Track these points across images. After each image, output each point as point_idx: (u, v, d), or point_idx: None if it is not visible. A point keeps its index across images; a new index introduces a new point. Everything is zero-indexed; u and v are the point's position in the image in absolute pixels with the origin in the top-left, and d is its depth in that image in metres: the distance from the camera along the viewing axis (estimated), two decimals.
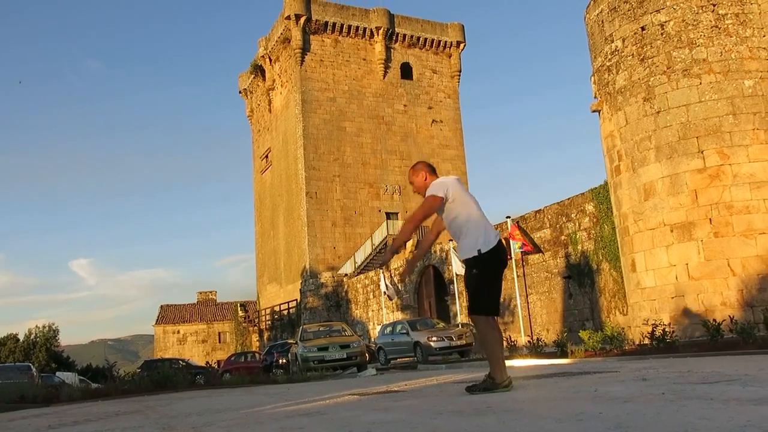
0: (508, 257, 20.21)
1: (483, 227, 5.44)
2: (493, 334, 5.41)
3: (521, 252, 21.83)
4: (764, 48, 13.79)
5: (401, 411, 4.68)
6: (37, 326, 61.29)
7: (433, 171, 5.84)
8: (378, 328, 29.19)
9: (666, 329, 11.75)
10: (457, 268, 26.05)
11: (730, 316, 11.62)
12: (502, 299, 22.11)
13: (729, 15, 13.91)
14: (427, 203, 5.48)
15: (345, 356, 18.00)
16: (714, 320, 11.57)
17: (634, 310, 15.19)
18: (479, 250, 5.32)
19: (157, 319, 60.53)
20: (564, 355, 12.67)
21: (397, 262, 34.47)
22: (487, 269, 5.38)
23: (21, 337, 60.16)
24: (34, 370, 29.26)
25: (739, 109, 13.52)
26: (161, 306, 62.55)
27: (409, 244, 41.46)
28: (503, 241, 5.72)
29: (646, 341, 12.08)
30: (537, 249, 22.32)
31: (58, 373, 37.91)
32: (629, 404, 3.91)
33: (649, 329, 12.03)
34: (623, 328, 16.09)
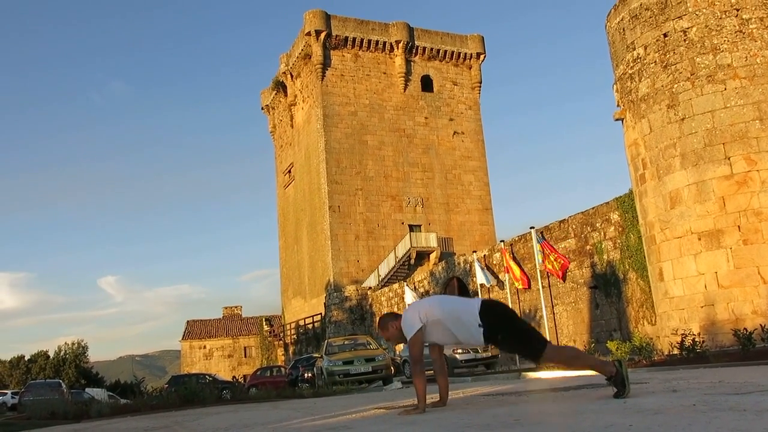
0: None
1: (463, 310, 5.52)
2: (568, 351, 5.54)
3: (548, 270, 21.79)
4: None
5: (428, 425, 4.66)
6: (66, 343, 62.17)
7: (397, 316, 5.94)
8: None
9: (696, 339, 11.56)
10: (481, 278, 25.90)
11: (761, 325, 11.39)
12: (528, 310, 21.95)
13: (753, 19, 13.75)
14: (413, 344, 5.63)
15: (370, 369, 17.97)
16: (745, 329, 11.35)
17: (662, 319, 14.95)
18: (479, 324, 5.40)
19: (184, 335, 61.02)
20: None
21: (421, 274, 34.41)
22: (500, 326, 5.44)
23: (51, 354, 61.15)
24: (64, 386, 29.70)
25: (766, 114, 13.31)
26: (187, 321, 63.09)
27: (433, 256, 41.38)
28: (489, 299, 5.90)
29: (676, 351, 11.88)
30: (563, 275, 22.12)
31: (87, 389, 38.41)
32: (660, 416, 3.85)
33: (679, 339, 11.83)
34: (651, 339, 15.85)
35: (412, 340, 5.57)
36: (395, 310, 35.75)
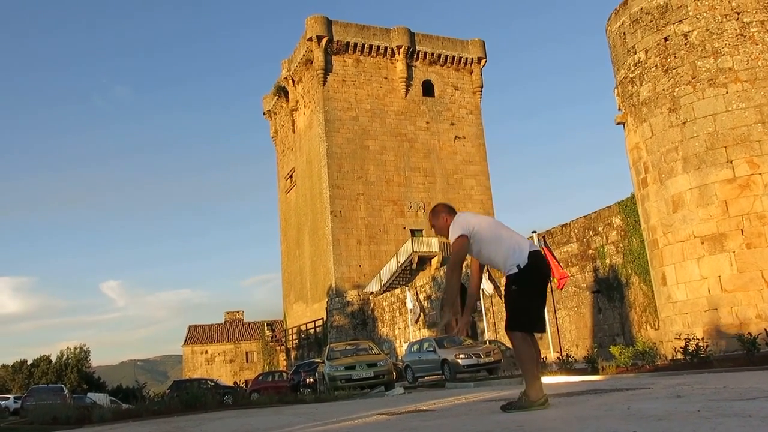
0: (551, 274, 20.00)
1: (516, 245, 5.41)
2: (529, 351, 5.35)
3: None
4: None
5: (430, 431, 4.63)
6: (68, 348, 62.20)
7: (452, 211, 5.82)
8: (405, 345, 29.05)
9: (699, 344, 11.51)
10: (485, 285, 25.86)
11: (765, 329, 11.35)
12: None
13: (754, 23, 13.75)
14: (456, 246, 5.48)
15: (372, 375, 17.91)
16: (749, 334, 11.30)
17: (665, 324, 14.90)
18: (518, 266, 5.29)
19: (186, 340, 60.98)
20: (595, 371, 12.46)
21: (423, 279, 34.36)
22: (527, 285, 5.33)
23: (53, 359, 61.16)
24: (66, 391, 29.67)
25: None
26: (189, 326, 63.06)
27: (435, 261, 41.34)
28: (543, 255, 5.67)
29: (679, 356, 11.83)
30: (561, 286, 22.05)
31: (89, 394, 38.34)
32: (664, 422, 3.82)
33: (682, 344, 11.79)
34: (655, 343, 15.79)
35: (455, 244, 5.43)
36: (397, 314, 35.70)
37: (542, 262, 5.49)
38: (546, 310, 21.82)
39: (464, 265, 5.86)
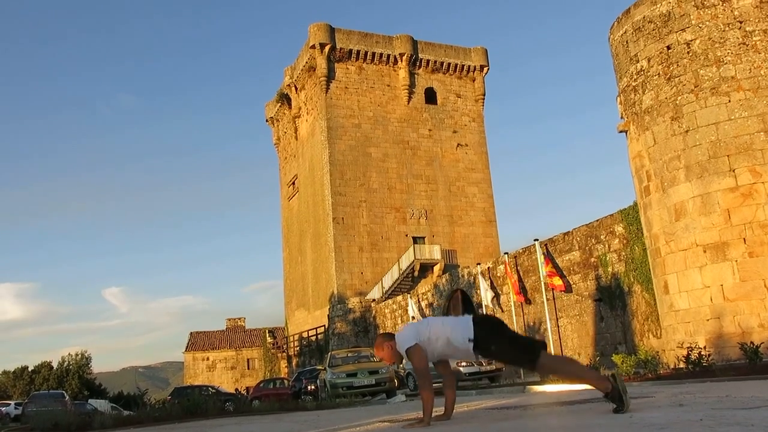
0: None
1: (454, 326, 5.60)
2: (564, 361, 5.53)
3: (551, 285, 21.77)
4: None
5: None
6: (70, 354, 62.11)
7: (390, 336, 5.97)
8: None
9: (702, 352, 11.48)
10: (487, 294, 25.83)
11: None
12: (532, 322, 21.83)
13: (757, 32, 13.77)
14: (415, 358, 5.62)
15: (374, 382, 17.89)
16: (752, 343, 11.28)
17: (668, 333, 14.86)
18: (469, 339, 5.47)
19: (187, 346, 60.92)
20: None
21: (425, 286, 34.33)
22: (493, 337, 5.49)
23: (55, 365, 61.07)
24: (67, 397, 29.63)
25: None
26: (191, 333, 62.99)
27: (437, 268, 41.32)
28: (480, 314, 5.93)
29: (682, 365, 11.80)
30: (567, 288, 22.06)
31: (90, 401, 38.30)
32: (666, 431, 3.81)
33: (685, 353, 11.76)
34: (657, 352, 15.75)
35: (413, 353, 5.58)
36: (399, 322, 35.63)
37: (482, 319, 5.70)
38: (548, 318, 21.86)
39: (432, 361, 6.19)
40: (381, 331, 37.58)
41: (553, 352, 21.34)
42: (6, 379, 61.47)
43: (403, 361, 5.80)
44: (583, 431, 4.32)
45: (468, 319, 5.61)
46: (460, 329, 5.52)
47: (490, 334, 5.46)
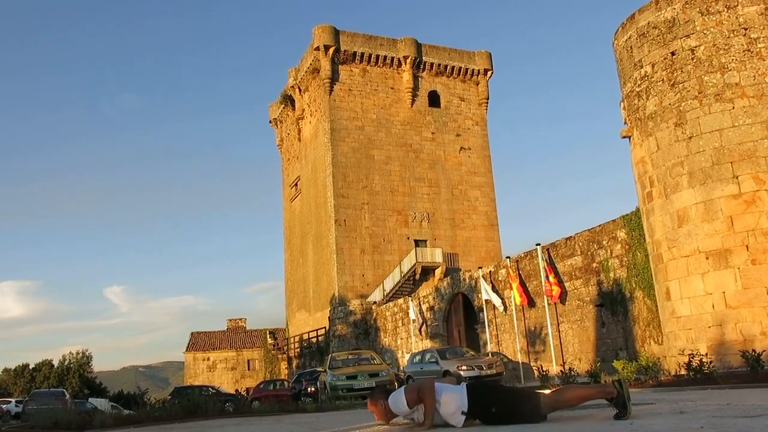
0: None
1: (451, 397, 5.62)
2: (563, 391, 5.59)
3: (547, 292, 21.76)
4: None
5: None
6: (71, 352, 62.22)
7: (387, 393, 6.09)
8: (407, 356, 28.95)
9: (703, 359, 11.46)
10: (491, 297, 25.80)
11: None
12: (533, 327, 21.75)
13: (761, 38, 13.76)
14: (426, 393, 5.66)
15: (374, 385, 17.86)
16: (753, 350, 11.25)
17: (669, 339, 14.83)
18: (462, 411, 5.52)
19: (188, 346, 60.94)
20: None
21: (426, 289, 34.30)
22: (490, 399, 5.54)
23: (55, 363, 61.16)
24: (67, 396, 29.67)
25: None
26: (191, 333, 63.03)
27: (438, 272, 41.30)
28: (473, 382, 6.01)
29: (683, 372, 11.77)
30: (563, 295, 22.04)
31: (90, 399, 38.33)
32: None
33: (686, 359, 11.73)
34: (658, 358, 15.72)
35: (425, 392, 5.64)
36: (399, 325, 35.61)
37: (477, 385, 5.79)
38: (549, 323, 21.84)
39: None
40: (384, 333, 37.58)
41: (554, 361, 21.32)
42: (7, 377, 61.57)
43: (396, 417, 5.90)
44: None
45: (461, 389, 5.65)
46: (453, 401, 5.56)
47: (487, 398, 5.52)
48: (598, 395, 5.31)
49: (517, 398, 5.54)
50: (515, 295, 23.96)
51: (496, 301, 25.52)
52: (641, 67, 15.41)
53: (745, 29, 13.89)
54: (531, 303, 23.90)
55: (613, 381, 5.32)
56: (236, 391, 41.62)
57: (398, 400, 5.73)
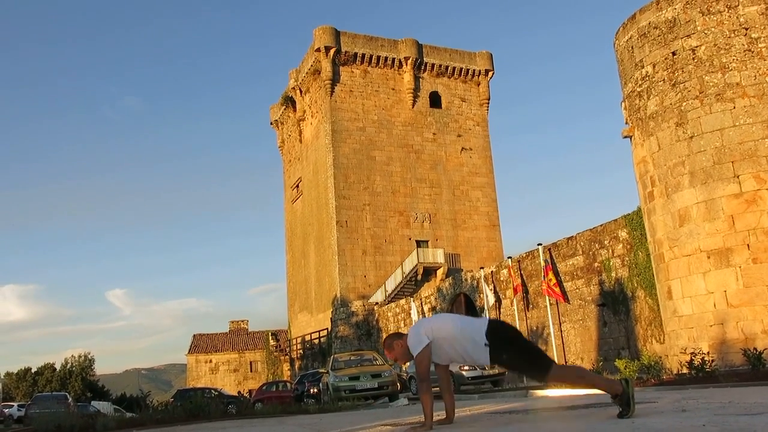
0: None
1: (470, 329, 5.53)
2: (573, 371, 5.53)
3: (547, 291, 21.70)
4: None
5: None
6: (73, 356, 62.28)
7: (401, 335, 5.96)
8: None
9: (705, 358, 11.47)
10: (489, 297, 25.82)
11: None
12: (535, 327, 21.72)
13: (762, 38, 13.77)
14: (419, 361, 5.61)
15: (376, 386, 17.88)
16: (755, 349, 11.26)
17: (671, 338, 14.84)
18: (485, 343, 5.41)
19: (190, 349, 60.97)
20: None
21: (428, 290, 34.31)
22: (506, 345, 5.44)
23: (58, 367, 61.18)
24: (70, 399, 29.68)
25: None
26: (194, 335, 63.06)
27: (440, 272, 41.31)
28: (498, 322, 5.79)
29: (685, 370, 11.78)
30: (565, 297, 21.98)
31: (93, 402, 38.39)
32: None
33: (688, 358, 11.74)
34: (660, 357, 15.73)
35: (419, 357, 5.55)
36: (402, 326, 35.61)
37: (499, 326, 5.61)
38: (551, 323, 21.83)
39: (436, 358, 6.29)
40: (385, 334, 37.56)
41: (557, 361, 21.33)
42: (9, 381, 61.59)
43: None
44: None
45: (483, 322, 5.53)
46: (477, 332, 5.44)
47: (505, 343, 5.40)
48: (604, 388, 5.29)
49: (530, 358, 5.45)
50: (515, 297, 23.97)
51: (489, 301, 25.56)
52: (642, 67, 15.43)
53: (746, 29, 13.90)
54: (529, 305, 23.90)
55: (620, 379, 5.32)
56: (239, 393, 41.67)
57: (418, 333, 5.60)
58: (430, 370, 5.67)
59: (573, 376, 5.65)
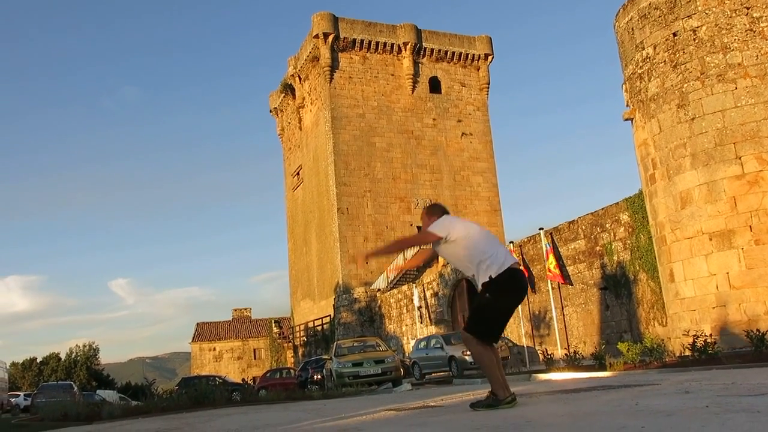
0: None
1: (492, 255, 5.41)
2: (487, 355, 5.42)
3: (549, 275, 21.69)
4: None
5: (439, 426, 4.65)
6: (78, 345, 62.64)
7: (442, 212, 5.91)
8: (412, 342, 29.06)
9: (707, 340, 11.48)
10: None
11: None
12: (537, 311, 21.71)
13: (764, 18, 13.66)
14: (424, 235, 5.59)
15: (380, 371, 17.96)
16: (758, 330, 11.26)
17: (673, 321, 14.86)
18: (491, 276, 5.33)
19: (194, 337, 61.23)
20: (602, 367, 12.45)
21: (430, 276, 34.36)
22: (500, 296, 5.35)
23: (63, 356, 61.58)
24: (75, 388, 29.88)
25: None
26: (197, 324, 63.30)
27: (442, 258, 41.34)
28: (522, 271, 5.65)
29: (687, 353, 11.81)
30: (567, 280, 21.98)
31: (98, 391, 38.60)
32: (672, 418, 3.82)
33: (690, 340, 11.76)
34: (663, 340, 15.74)
35: (427, 234, 5.58)
36: (404, 311, 35.71)
37: (518, 278, 5.47)
38: (553, 306, 21.88)
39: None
40: (388, 321, 37.69)
41: (559, 346, 21.41)
42: (15, 371, 61.97)
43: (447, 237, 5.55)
44: (589, 418, 4.34)
45: (508, 262, 5.35)
46: (491, 261, 5.33)
47: (500, 292, 5.30)
48: (495, 384, 5.30)
49: (476, 317, 5.45)
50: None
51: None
52: (643, 48, 15.32)
53: (747, 8, 13.78)
54: (533, 288, 23.93)
55: (510, 394, 5.28)
56: (243, 380, 41.88)
57: (444, 227, 5.53)
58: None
59: (481, 360, 5.49)
